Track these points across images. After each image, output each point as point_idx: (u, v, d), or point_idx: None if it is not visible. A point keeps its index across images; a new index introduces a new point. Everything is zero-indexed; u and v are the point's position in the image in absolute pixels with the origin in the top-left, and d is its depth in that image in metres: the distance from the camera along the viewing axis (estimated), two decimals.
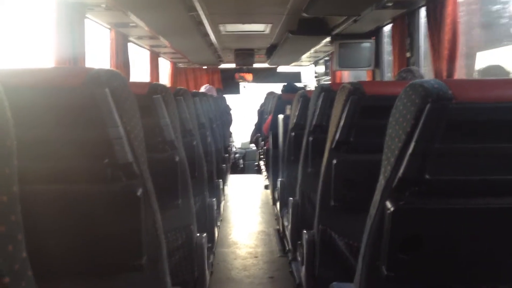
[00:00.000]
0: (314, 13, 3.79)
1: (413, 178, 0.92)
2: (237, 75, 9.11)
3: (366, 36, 4.74)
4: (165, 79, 7.85)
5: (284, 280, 3.15)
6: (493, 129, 0.91)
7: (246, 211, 5.13)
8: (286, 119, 3.35)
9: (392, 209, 0.94)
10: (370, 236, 1.03)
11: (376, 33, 4.71)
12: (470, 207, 0.93)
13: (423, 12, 3.42)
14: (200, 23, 4.52)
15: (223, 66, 9.16)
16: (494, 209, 0.93)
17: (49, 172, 0.97)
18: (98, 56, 4.56)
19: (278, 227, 4.19)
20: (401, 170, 0.92)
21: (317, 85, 6.34)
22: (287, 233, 2.90)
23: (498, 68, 2.88)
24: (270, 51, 6.79)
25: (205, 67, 9.09)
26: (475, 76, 3.32)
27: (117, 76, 1.00)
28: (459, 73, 3.12)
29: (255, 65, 8.41)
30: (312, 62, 8.74)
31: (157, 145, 1.64)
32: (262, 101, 7.70)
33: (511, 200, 0.92)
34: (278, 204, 3.62)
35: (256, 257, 3.62)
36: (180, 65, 8.80)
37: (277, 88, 6.67)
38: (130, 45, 4.95)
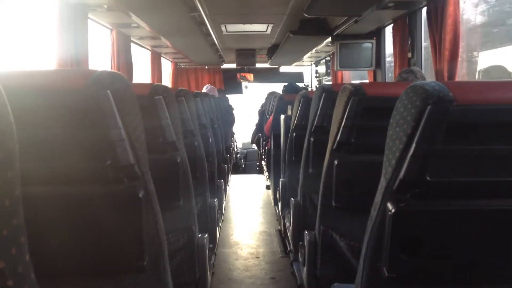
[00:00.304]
0: (315, 14, 3.79)
1: (414, 180, 0.92)
2: (238, 75, 9.11)
3: (367, 36, 4.74)
4: (166, 79, 7.86)
5: (286, 280, 3.16)
6: (494, 131, 0.91)
7: (248, 211, 5.14)
8: (287, 120, 3.35)
9: (393, 210, 0.94)
10: (371, 237, 1.03)
11: (377, 34, 4.71)
12: (471, 208, 0.94)
13: (424, 12, 3.42)
14: (202, 23, 4.52)
15: (224, 66, 9.16)
16: (495, 210, 0.93)
17: (51, 173, 0.98)
18: (100, 57, 4.56)
19: (279, 227, 4.19)
20: (402, 172, 0.92)
21: (318, 85, 6.34)
22: (289, 233, 2.91)
23: (500, 69, 2.88)
24: (272, 51, 6.80)
25: (207, 67, 9.10)
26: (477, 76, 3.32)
27: (119, 78, 1.01)
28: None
29: (257, 65, 8.42)
30: (313, 62, 8.74)
31: (159, 146, 1.65)
32: (264, 101, 7.71)
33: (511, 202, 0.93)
34: (279, 204, 3.62)
35: (257, 257, 3.62)
36: (182, 65, 8.81)
37: (279, 88, 6.66)
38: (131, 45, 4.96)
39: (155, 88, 1.63)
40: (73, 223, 1.01)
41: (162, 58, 6.87)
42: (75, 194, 0.99)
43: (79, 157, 0.98)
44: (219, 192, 3.63)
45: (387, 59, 4.74)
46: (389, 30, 4.45)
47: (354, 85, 1.60)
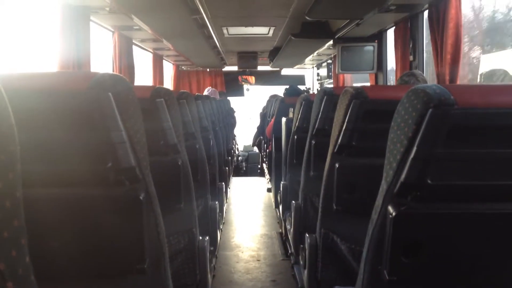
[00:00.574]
0: (316, 16, 3.79)
1: (415, 183, 0.92)
2: (240, 78, 9.12)
3: (368, 39, 4.74)
4: (168, 82, 7.86)
5: (287, 283, 3.15)
6: (494, 134, 0.91)
7: (249, 214, 5.13)
8: (288, 122, 3.35)
9: (394, 213, 0.94)
10: (372, 240, 1.03)
11: (378, 37, 4.71)
12: (471, 212, 0.93)
13: (426, 15, 3.42)
14: (204, 26, 4.53)
15: (226, 68, 9.17)
16: (496, 214, 0.93)
17: (52, 175, 0.98)
18: (102, 59, 4.57)
19: (280, 230, 4.19)
20: (403, 175, 0.92)
21: (319, 88, 6.33)
22: (290, 236, 2.90)
23: (502, 72, 2.88)
24: (273, 54, 6.80)
25: (208, 69, 9.11)
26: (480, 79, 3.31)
27: (121, 80, 1.01)
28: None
29: (258, 68, 8.42)
30: (315, 65, 8.74)
31: (160, 148, 1.65)
32: (265, 103, 7.71)
33: None
34: (280, 207, 3.62)
35: (258, 260, 3.62)
36: (183, 67, 8.82)
37: (281, 90, 6.67)
38: (133, 48, 4.97)
39: (157, 91, 1.63)
40: (74, 225, 1.01)
41: (164, 60, 6.88)
42: (76, 196, 0.99)
43: (80, 159, 0.98)
44: (220, 194, 3.63)
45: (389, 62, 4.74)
46: (391, 33, 4.45)
47: (355, 88, 1.60)
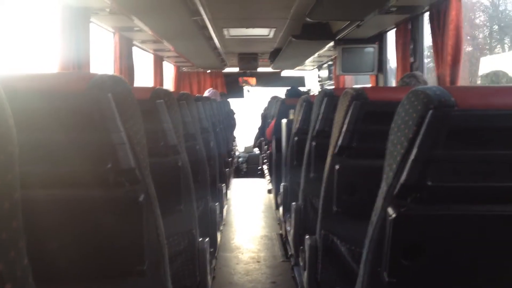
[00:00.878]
0: (317, 18, 3.79)
1: (415, 185, 0.92)
2: (240, 79, 9.12)
3: (369, 41, 4.74)
4: (169, 83, 7.87)
5: (287, 285, 3.15)
6: (495, 136, 0.91)
7: (249, 215, 5.13)
8: (289, 124, 3.35)
9: (393, 215, 0.93)
10: (371, 242, 1.03)
11: (379, 38, 4.71)
12: (472, 213, 0.93)
13: (426, 17, 3.42)
14: (204, 27, 4.53)
15: (226, 70, 9.17)
16: (496, 216, 0.93)
17: (52, 176, 0.98)
18: (103, 60, 4.57)
19: (281, 231, 4.19)
20: (403, 177, 0.92)
21: (320, 90, 6.34)
22: (290, 238, 2.90)
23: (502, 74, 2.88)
24: (274, 55, 6.80)
25: (209, 71, 9.11)
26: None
27: (120, 81, 1.01)
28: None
29: (259, 69, 8.42)
30: (315, 67, 8.74)
31: (160, 149, 1.65)
32: (266, 105, 7.71)
33: None
34: (281, 208, 3.61)
35: (258, 261, 3.61)
36: (184, 69, 8.82)
37: (281, 92, 6.67)
38: (133, 48, 4.97)
39: (157, 92, 1.63)
40: (74, 227, 1.00)
41: (164, 62, 6.88)
42: (76, 198, 0.99)
43: (79, 160, 0.98)
44: (220, 196, 3.63)
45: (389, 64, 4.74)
46: (391, 35, 4.45)
47: (355, 90, 1.59)
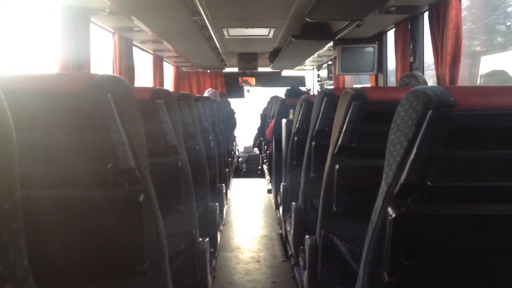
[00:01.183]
0: (317, 18, 3.79)
1: (415, 185, 0.92)
2: (240, 79, 9.12)
3: (369, 40, 4.74)
4: (168, 83, 7.87)
5: (287, 285, 3.15)
6: (495, 136, 0.91)
7: (249, 215, 5.13)
8: (289, 124, 3.35)
9: (393, 215, 0.93)
10: (371, 242, 1.03)
11: (379, 38, 4.71)
12: (472, 213, 0.93)
13: (426, 17, 3.42)
14: (204, 27, 4.54)
15: (226, 70, 9.18)
16: (496, 215, 0.93)
17: (52, 177, 0.98)
18: (103, 60, 4.57)
19: (280, 231, 4.19)
20: (403, 177, 0.92)
21: (320, 90, 6.34)
22: (290, 237, 2.90)
23: (502, 73, 2.88)
24: (274, 55, 6.80)
25: (209, 71, 9.11)
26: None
27: (120, 82, 1.01)
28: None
29: (259, 69, 8.43)
30: (315, 66, 8.75)
31: (160, 149, 1.65)
32: (265, 105, 7.71)
33: None
34: (281, 208, 3.61)
35: (258, 261, 3.61)
36: (184, 69, 8.83)
37: (281, 92, 6.67)
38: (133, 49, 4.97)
39: (157, 92, 1.63)
40: (74, 227, 1.01)
41: (164, 62, 6.88)
42: (76, 198, 0.99)
43: (79, 160, 0.98)
44: (220, 196, 3.63)
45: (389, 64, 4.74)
46: (391, 35, 4.45)
47: (355, 90, 1.59)
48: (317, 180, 2.01)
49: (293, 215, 2.62)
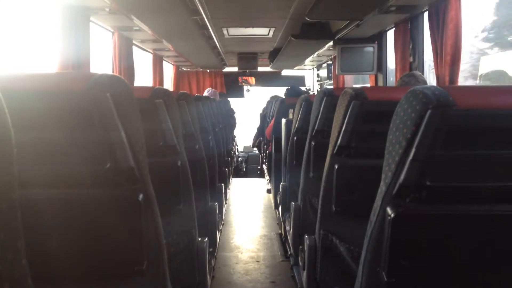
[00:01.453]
0: (316, 17, 3.79)
1: (414, 185, 0.92)
2: (240, 79, 9.12)
3: (368, 40, 4.73)
4: (168, 82, 7.86)
5: (286, 284, 3.15)
6: (494, 135, 0.91)
7: (248, 215, 5.13)
8: (288, 123, 3.35)
9: (392, 215, 0.93)
10: (370, 242, 1.03)
11: (378, 38, 4.71)
12: (470, 213, 0.93)
13: (426, 16, 3.42)
14: (204, 26, 4.53)
15: (226, 69, 9.17)
16: (495, 215, 0.93)
17: (51, 176, 0.98)
18: (102, 60, 4.57)
19: (280, 231, 4.19)
20: (402, 176, 0.92)
21: (319, 89, 6.33)
22: (289, 237, 2.90)
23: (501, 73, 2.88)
24: (273, 55, 6.80)
25: (208, 70, 9.11)
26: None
27: (119, 81, 1.01)
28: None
29: (259, 69, 8.42)
30: (315, 66, 8.74)
31: (159, 149, 1.65)
32: (265, 105, 7.70)
33: (511, 207, 0.92)
34: (280, 208, 3.61)
35: (258, 261, 3.61)
36: (183, 68, 8.82)
37: (281, 91, 6.66)
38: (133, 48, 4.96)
39: (156, 92, 1.63)
40: (73, 226, 1.01)
41: (164, 61, 6.87)
42: (75, 197, 0.99)
43: (78, 160, 0.98)
44: (219, 195, 3.63)
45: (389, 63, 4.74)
46: (390, 34, 4.45)
47: (355, 89, 1.59)
48: (317, 180, 2.01)
49: (292, 215, 2.62)
